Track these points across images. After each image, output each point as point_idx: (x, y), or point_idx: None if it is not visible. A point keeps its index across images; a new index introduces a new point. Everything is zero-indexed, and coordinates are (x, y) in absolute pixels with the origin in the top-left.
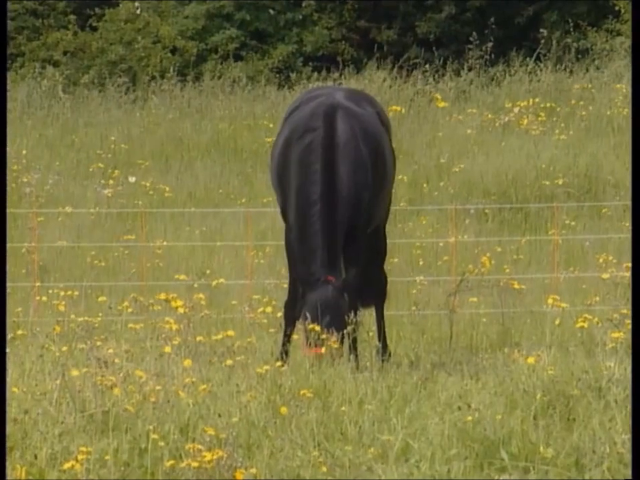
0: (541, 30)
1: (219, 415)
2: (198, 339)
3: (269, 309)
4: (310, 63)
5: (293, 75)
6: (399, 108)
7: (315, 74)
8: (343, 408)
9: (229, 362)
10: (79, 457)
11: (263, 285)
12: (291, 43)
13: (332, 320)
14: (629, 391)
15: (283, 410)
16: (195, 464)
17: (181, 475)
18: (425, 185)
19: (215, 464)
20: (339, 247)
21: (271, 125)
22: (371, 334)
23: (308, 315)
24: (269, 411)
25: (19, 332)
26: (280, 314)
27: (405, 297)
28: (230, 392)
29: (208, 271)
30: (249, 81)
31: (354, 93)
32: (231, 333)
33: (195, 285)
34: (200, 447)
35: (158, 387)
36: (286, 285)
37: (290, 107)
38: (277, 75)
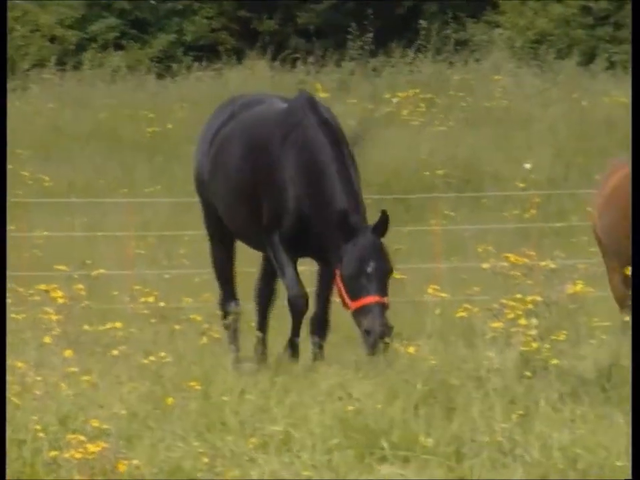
0: (421, 21)
1: (101, 406)
2: (80, 329)
3: (150, 299)
4: (190, 53)
5: (174, 65)
6: None
7: (196, 64)
8: (224, 398)
9: (114, 352)
10: None
11: (144, 275)
12: (172, 32)
13: (380, 263)
14: (507, 381)
15: (169, 401)
16: (78, 455)
17: (62, 466)
18: None
19: (97, 455)
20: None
21: (151, 115)
22: (252, 324)
23: (353, 261)
24: (151, 402)
25: None
26: (162, 303)
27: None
28: (111, 383)
29: (88, 262)
30: (129, 71)
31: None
32: (118, 324)
33: (75, 276)
34: (82, 438)
35: (38, 378)
36: (168, 276)
37: (213, 123)
38: (158, 65)
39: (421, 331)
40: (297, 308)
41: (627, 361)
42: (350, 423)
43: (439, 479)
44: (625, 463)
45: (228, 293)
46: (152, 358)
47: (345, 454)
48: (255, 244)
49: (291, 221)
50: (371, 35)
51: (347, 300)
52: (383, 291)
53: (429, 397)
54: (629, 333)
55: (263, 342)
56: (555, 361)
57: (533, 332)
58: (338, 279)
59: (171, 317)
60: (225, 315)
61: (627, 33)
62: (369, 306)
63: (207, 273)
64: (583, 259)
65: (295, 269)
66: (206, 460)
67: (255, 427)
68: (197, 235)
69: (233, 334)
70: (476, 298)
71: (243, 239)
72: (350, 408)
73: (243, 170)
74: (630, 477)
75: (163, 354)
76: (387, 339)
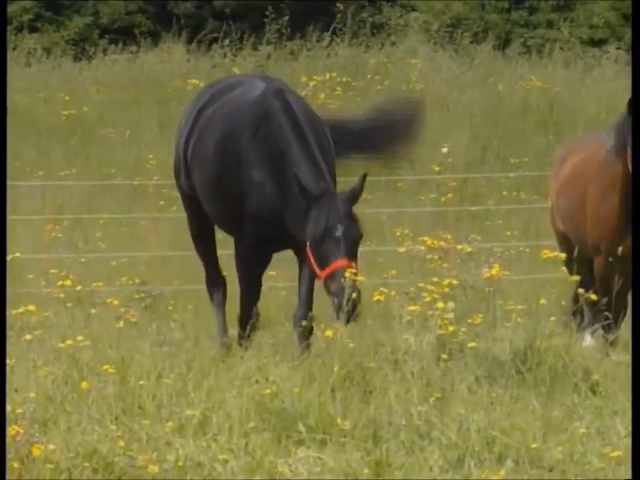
0: (337, 4)
1: (16, 390)
2: None
3: (67, 283)
4: (106, 35)
5: (90, 48)
6: (197, 81)
7: (112, 46)
8: (141, 382)
9: (28, 337)
10: None
11: (61, 259)
12: (87, 15)
13: (347, 227)
14: (424, 364)
15: (83, 384)
16: None
17: None
18: None
19: (11, 440)
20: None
21: (67, 98)
22: (170, 308)
23: (318, 227)
24: (67, 386)
25: None
26: (79, 287)
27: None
28: (27, 367)
29: None
30: (44, 53)
31: (274, 79)
32: (31, 307)
33: None
34: None
35: None
36: (84, 260)
37: (193, 109)
38: (73, 47)
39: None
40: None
41: (541, 344)
42: (267, 407)
43: (355, 461)
44: (539, 445)
45: (214, 275)
46: (68, 342)
47: (261, 437)
48: (231, 232)
49: (256, 222)
50: (287, 18)
51: (317, 269)
52: (351, 255)
53: (346, 380)
54: (545, 315)
55: (223, 329)
56: (471, 344)
57: (450, 315)
58: (307, 249)
59: (87, 301)
60: (211, 294)
61: (541, 17)
62: (336, 271)
63: (123, 257)
64: (499, 242)
65: (256, 297)
66: (122, 444)
67: (172, 411)
68: (112, 219)
69: (220, 314)
70: (393, 281)
71: (221, 228)
72: (267, 391)
73: (217, 156)
74: (630, 477)
75: (79, 337)
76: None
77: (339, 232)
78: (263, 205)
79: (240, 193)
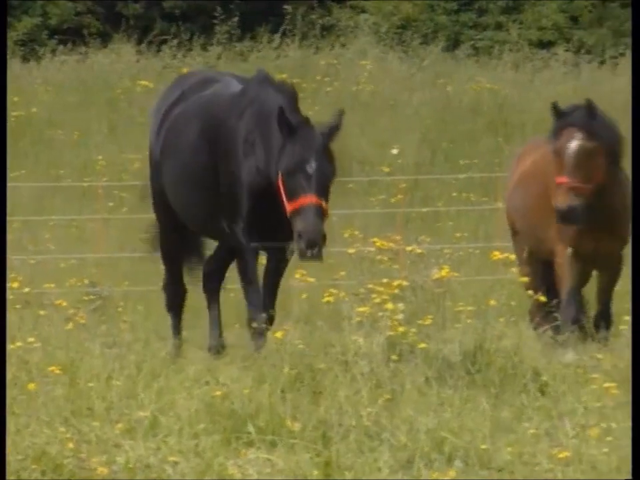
0: (285, 6)
1: None
2: None
3: (15, 285)
4: (55, 36)
5: (40, 49)
6: (146, 82)
7: (61, 47)
8: (91, 384)
9: None
10: None
11: (10, 260)
12: (36, 16)
13: (320, 163)
14: (374, 365)
15: (32, 386)
16: None
17: None
18: None
19: None
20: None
21: (16, 98)
22: (119, 309)
23: (292, 158)
24: (15, 388)
25: None
26: (27, 289)
27: (156, 272)
28: None
29: None
30: None
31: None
32: None
33: None
34: None
35: None
36: (33, 261)
37: (163, 102)
38: (22, 48)
39: (287, 315)
40: (257, 331)
41: (491, 345)
42: (217, 408)
43: (305, 462)
44: (489, 446)
45: (173, 278)
46: (18, 344)
47: (211, 439)
48: (208, 232)
49: (248, 201)
50: (236, 18)
51: (285, 201)
52: (321, 193)
53: (295, 381)
54: (494, 316)
55: (213, 332)
56: (421, 345)
57: (400, 316)
58: (279, 180)
59: (36, 303)
60: (169, 300)
61: (490, 18)
62: (304, 207)
63: (72, 258)
64: (449, 244)
65: (259, 287)
66: (71, 445)
67: (121, 413)
68: (62, 220)
69: (176, 324)
70: (342, 282)
71: (195, 227)
72: (217, 393)
73: (199, 152)
74: (630, 477)
75: (30, 339)
76: (316, 250)
77: (312, 167)
78: (255, 182)
79: (233, 178)
